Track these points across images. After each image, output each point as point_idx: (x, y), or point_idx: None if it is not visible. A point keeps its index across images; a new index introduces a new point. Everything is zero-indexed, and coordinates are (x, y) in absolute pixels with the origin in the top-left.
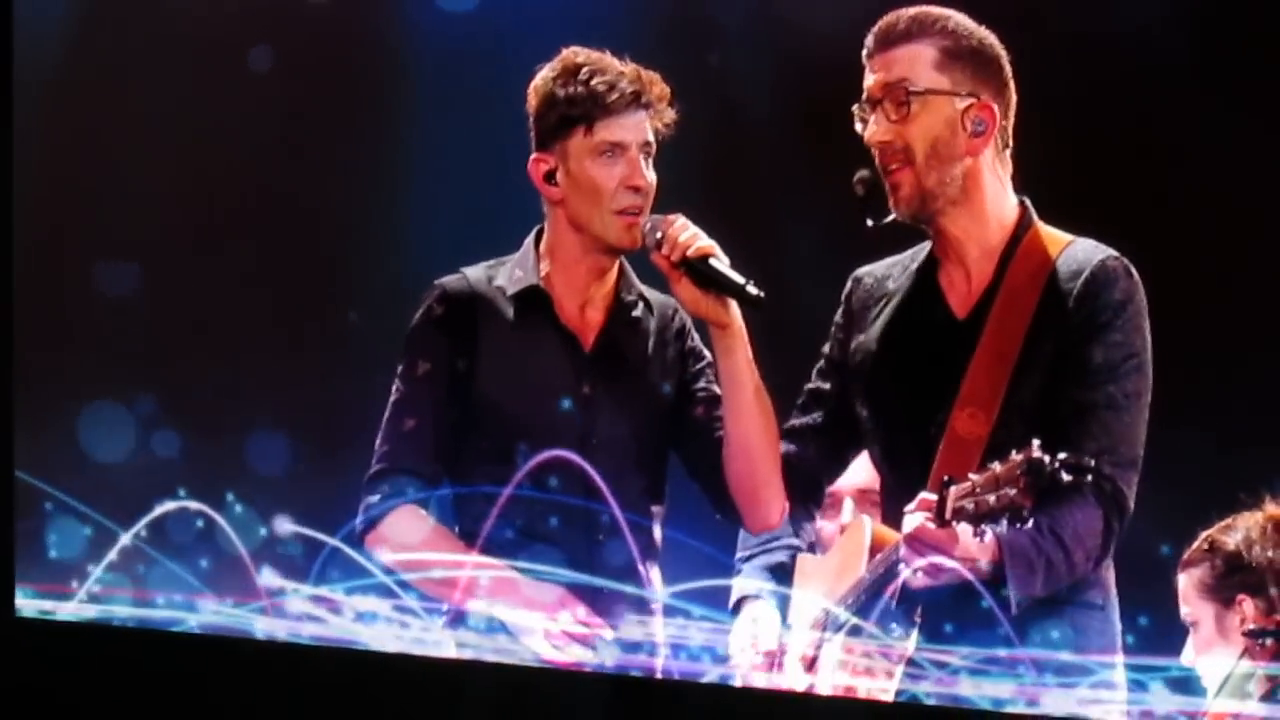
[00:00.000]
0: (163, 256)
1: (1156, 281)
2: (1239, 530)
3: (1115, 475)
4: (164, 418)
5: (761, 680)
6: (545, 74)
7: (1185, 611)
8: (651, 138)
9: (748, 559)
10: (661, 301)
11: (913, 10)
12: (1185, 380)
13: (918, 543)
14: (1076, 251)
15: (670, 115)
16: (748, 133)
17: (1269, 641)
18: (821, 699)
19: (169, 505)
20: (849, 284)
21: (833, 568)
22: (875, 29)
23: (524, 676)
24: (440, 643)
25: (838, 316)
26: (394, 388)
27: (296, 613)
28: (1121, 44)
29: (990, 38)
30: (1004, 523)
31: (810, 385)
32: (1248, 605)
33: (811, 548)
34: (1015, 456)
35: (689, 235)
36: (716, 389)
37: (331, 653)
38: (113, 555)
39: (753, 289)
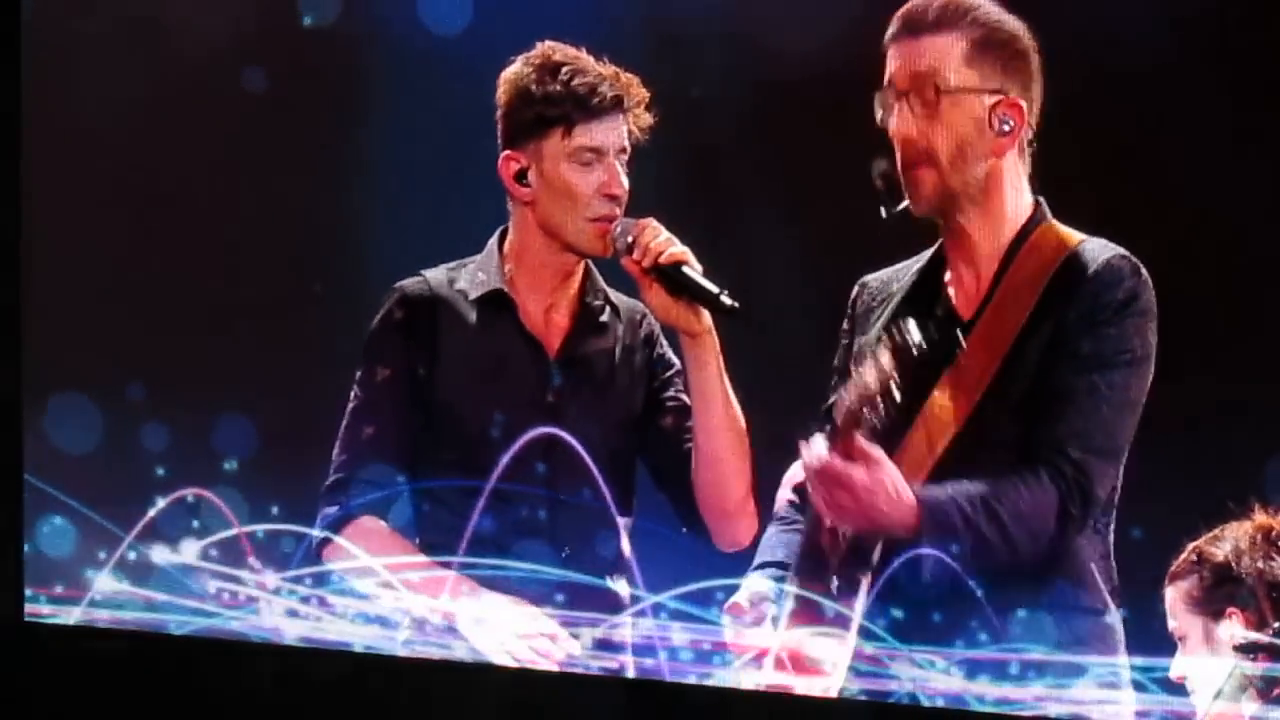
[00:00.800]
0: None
1: (1166, 285)
2: (1227, 541)
3: (1083, 461)
4: (156, 413)
5: (766, 682)
6: (520, 68)
7: (1172, 625)
8: (628, 143)
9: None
10: (629, 306)
11: None
12: (1172, 387)
13: (816, 474)
14: (1084, 250)
15: (648, 120)
16: (720, 135)
17: (1259, 656)
18: (823, 701)
19: (161, 503)
20: (854, 290)
21: None
22: (902, 12)
23: (528, 679)
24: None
25: (843, 324)
26: (352, 394)
27: (305, 613)
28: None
29: (1020, 28)
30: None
31: (827, 404)
32: (1237, 618)
33: None
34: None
35: (661, 241)
36: (686, 398)
37: (336, 654)
38: (114, 557)
39: (727, 298)
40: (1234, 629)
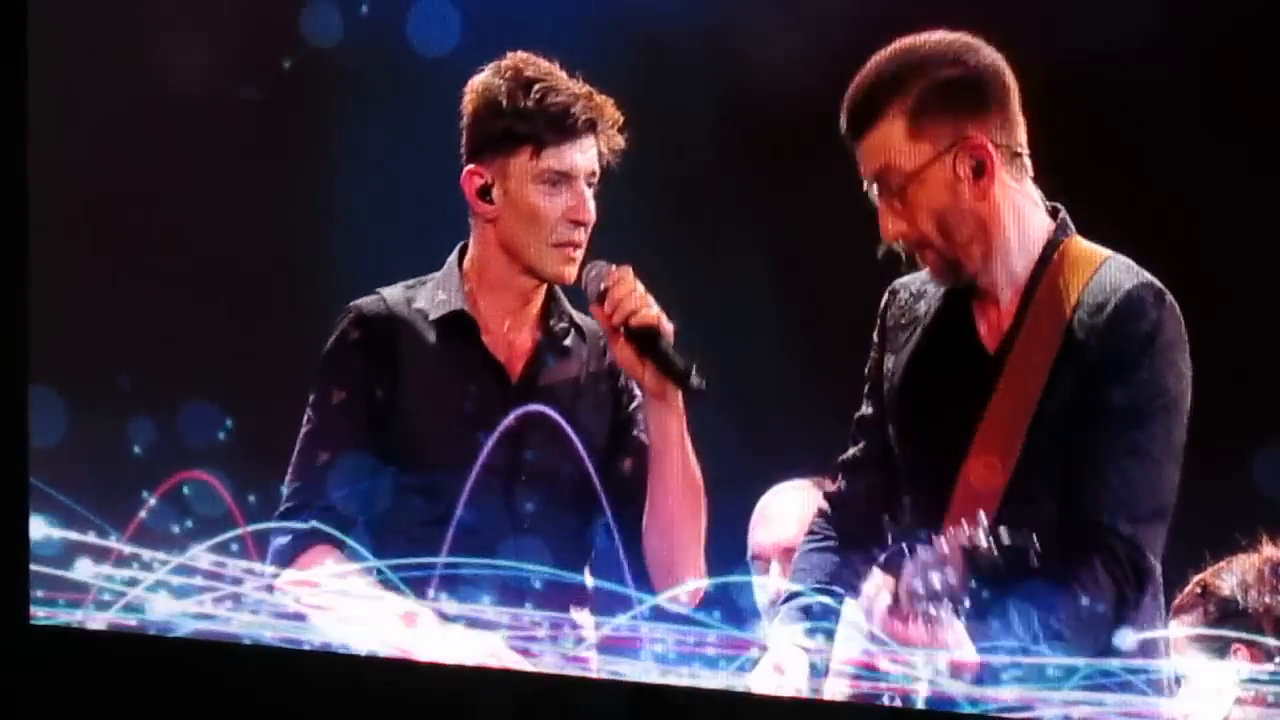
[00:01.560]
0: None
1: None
2: (1234, 573)
3: (1134, 536)
4: (157, 412)
5: (771, 688)
6: (490, 78)
7: (1176, 661)
8: (598, 167)
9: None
10: (593, 328)
11: (869, 71)
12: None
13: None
14: (1104, 279)
15: (620, 142)
16: (699, 154)
17: (1263, 690)
18: (827, 704)
19: (158, 502)
20: (885, 297)
21: None
22: (845, 105)
23: (528, 680)
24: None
25: (875, 334)
26: (305, 418)
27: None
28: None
29: (961, 49)
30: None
31: (859, 412)
32: (1242, 653)
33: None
34: (957, 535)
35: (635, 301)
36: (647, 439)
37: (336, 655)
38: (113, 558)
39: (695, 379)
40: (1240, 665)
